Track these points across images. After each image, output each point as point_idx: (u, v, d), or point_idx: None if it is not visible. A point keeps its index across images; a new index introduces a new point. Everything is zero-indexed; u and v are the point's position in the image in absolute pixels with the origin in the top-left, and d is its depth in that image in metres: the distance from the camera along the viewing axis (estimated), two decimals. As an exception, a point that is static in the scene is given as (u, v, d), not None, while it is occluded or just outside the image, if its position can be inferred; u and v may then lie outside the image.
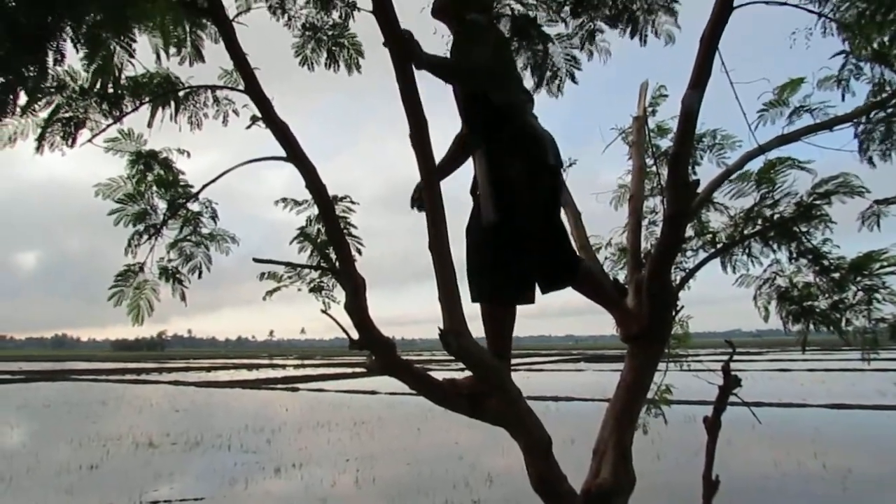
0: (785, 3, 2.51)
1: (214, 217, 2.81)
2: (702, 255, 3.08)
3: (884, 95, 2.91)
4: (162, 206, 2.74)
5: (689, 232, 3.15)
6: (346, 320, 2.04)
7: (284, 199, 2.62)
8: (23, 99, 1.93)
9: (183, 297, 2.72)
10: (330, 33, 3.05)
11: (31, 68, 1.67)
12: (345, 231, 2.42)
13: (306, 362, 42.83)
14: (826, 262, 2.76)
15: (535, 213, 2.20)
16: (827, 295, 2.75)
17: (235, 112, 2.82)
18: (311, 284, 2.57)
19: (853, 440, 8.50)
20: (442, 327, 1.89)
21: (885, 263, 2.61)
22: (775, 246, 2.87)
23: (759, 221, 2.85)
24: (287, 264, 2.42)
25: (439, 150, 1.94)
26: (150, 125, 2.68)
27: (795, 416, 10.71)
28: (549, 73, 3.21)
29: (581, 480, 2.30)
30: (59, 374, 29.52)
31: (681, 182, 2.26)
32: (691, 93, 2.16)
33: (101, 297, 2.63)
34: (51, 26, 1.73)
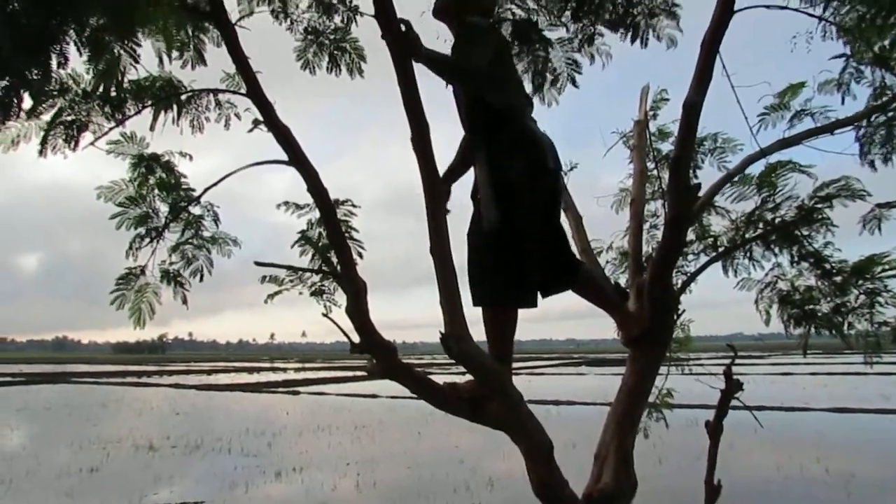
0: (785, 8, 2.51)
1: (216, 220, 2.81)
2: (703, 258, 3.09)
3: (884, 99, 2.91)
4: (164, 209, 2.75)
5: (691, 236, 3.15)
6: (348, 324, 2.04)
7: (286, 203, 2.63)
8: (27, 102, 1.93)
9: (184, 301, 2.73)
10: (332, 37, 3.06)
11: (35, 71, 1.67)
12: (346, 235, 2.42)
13: (307, 365, 42.81)
14: (828, 266, 2.75)
15: (536, 216, 2.20)
16: (829, 298, 2.75)
17: (237, 116, 2.83)
18: (313, 288, 2.57)
19: (856, 444, 8.47)
20: (443, 331, 1.89)
21: (886, 267, 2.60)
22: (777, 249, 2.87)
23: (761, 225, 2.85)
24: (288, 268, 2.42)
25: (441, 155, 1.95)
26: (152, 128, 2.69)
27: (798, 419, 10.67)
28: (550, 77, 3.21)
29: (583, 485, 2.30)
30: (60, 376, 29.50)
31: (682, 186, 2.26)
32: (692, 96, 2.16)
33: (103, 300, 2.64)
34: (54, 29, 1.73)
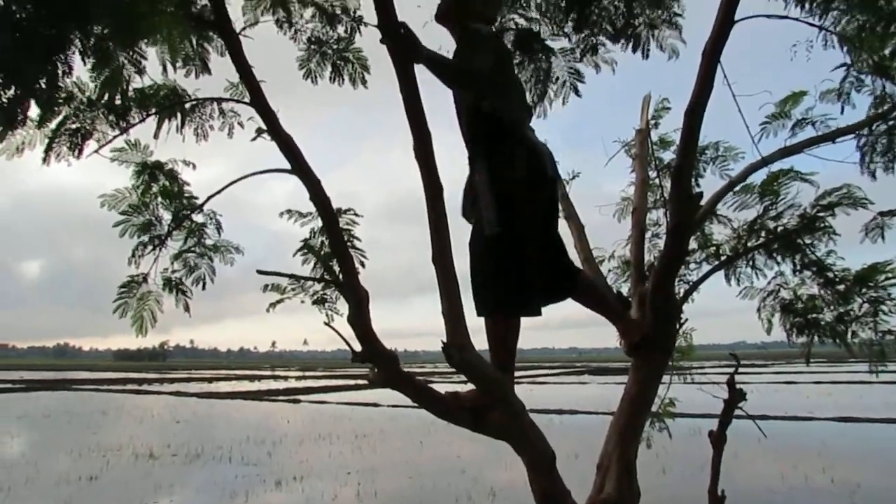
0: (786, 17, 2.53)
1: (219, 228, 2.82)
2: (705, 267, 3.08)
3: (885, 107, 2.92)
4: (167, 216, 2.76)
5: (693, 244, 3.15)
6: (349, 332, 2.04)
7: (289, 211, 2.63)
8: (33, 110, 1.94)
9: (186, 308, 2.73)
10: (335, 47, 3.07)
11: (42, 80, 1.69)
12: (348, 243, 2.43)
13: (308, 374, 42.72)
14: (830, 274, 2.75)
15: (536, 224, 2.21)
16: (832, 307, 2.75)
17: (241, 124, 2.85)
18: (315, 297, 2.58)
19: (861, 454, 8.41)
20: (445, 340, 1.89)
21: (890, 275, 2.60)
22: (779, 258, 2.87)
23: (763, 233, 2.85)
24: (291, 276, 2.43)
25: (443, 164, 1.95)
26: (156, 136, 2.70)
27: (802, 429, 10.61)
28: (552, 87, 3.22)
29: (585, 496, 2.29)
30: (61, 383, 29.47)
31: (684, 194, 2.26)
32: (694, 105, 2.17)
33: (105, 307, 2.64)
34: (60, 38, 1.75)
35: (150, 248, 2.68)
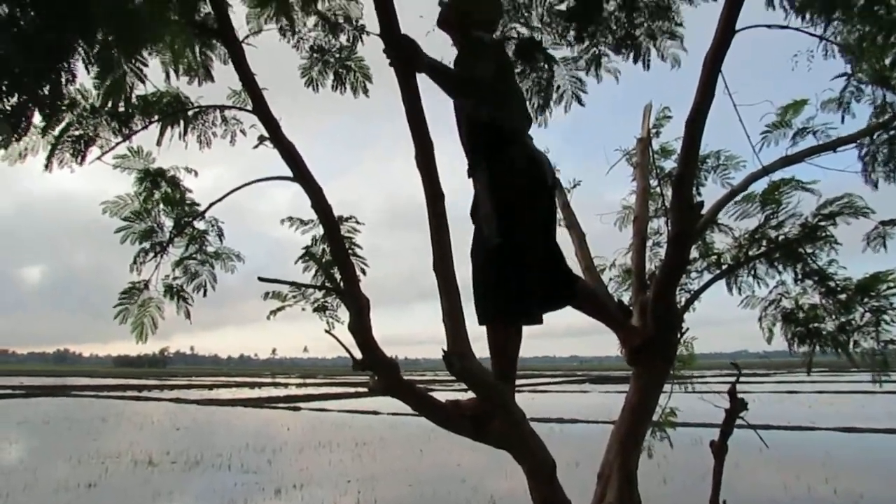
0: (786, 27, 2.54)
1: (220, 235, 2.82)
2: (707, 276, 3.08)
3: (886, 117, 2.92)
4: (168, 223, 2.77)
5: (694, 253, 3.15)
6: (350, 340, 2.04)
7: (290, 219, 2.64)
8: (36, 118, 1.95)
9: (187, 315, 2.73)
10: (337, 56, 3.09)
11: (45, 88, 1.70)
12: (349, 251, 2.43)
13: (308, 381, 42.62)
14: (832, 284, 2.74)
15: (536, 232, 2.21)
16: (833, 316, 2.74)
17: (243, 132, 2.86)
18: (316, 304, 2.58)
19: (865, 464, 8.36)
20: (446, 348, 1.88)
21: (891, 284, 2.59)
22: (780, 267, 2.87)
23: (764, 242, 2.85)
24: (292, 284, 2.43)
25: (444, 171, 1.95)
26: (159, 143, 2.72)
27: (804, 439, 10.56)
28: (555, 96, 3.23)
29: (586, 504, 2.27)
30: (60, 389, 29.41)
31: (685, 203, 2.26)
32: (695, 114, 2.17)
33: (106, 313, 2.64)
34: (64, 46, 1.75)
35: (151, 254, 2.68)
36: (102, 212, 2.77)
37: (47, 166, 2.58)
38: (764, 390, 22.69)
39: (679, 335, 2.76)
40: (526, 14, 3.10)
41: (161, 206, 2.77)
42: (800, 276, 2.82)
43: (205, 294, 2.78)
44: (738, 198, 2.89)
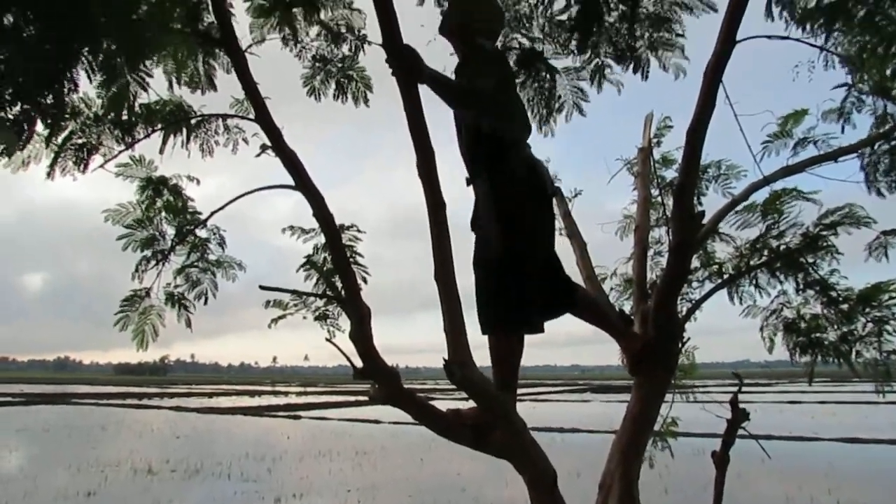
0: (787, 38, 2.55)
1: (222, 244, 2.83)
2: (708, 285, 3.07)
3: (887, 127, 2.93)
4: (170, 231, 2.77)
5: (695, 262, 3.14)
6: (351, 348, 2.04)
7: (292, 227, 2.64)
8: (39, 126, 1.97)
9: (188, 323, 2.73)
10: (339, 65, 3.11)
11: (48, 97, 1.71)
12: (351, 260, 2.43)
13: (309, 389, 42.52)
14: (834, 293, 2.74)
15: (538, 241, 2.21)
16: (835, 326, 2.73)
17: (245, 140, 2.87)
18: (317, 312, 2.58)
19: (868, 475, 8.31)
20: (447, 357, 1.88)
21: (893, 294, 2.59)
22: (782, 277, 2.86)
23: (766, 252, 2.85)
24: (293, 292, 2.43)
25: (446, 181, 1.96)
26: (161, 152, 2.73)
27: (807, 449, 10.50)
28: (556, 105, 3.25)
29: (587, 515, 2.26)
30: (60, 397, 29.35)
31: (686, 213, 2.26)
32: (696, 124, 2.18)
33: (107, 321, 2.64)
34: (68, 56, 1.77)
35: (153, 262, 2.69)
36: (105, 220, 2.78)
37: (50, 174, 2.59)
38: (766, 400, 22.60)
39: (680, 345, 2.75)
40: (527, 24, 3.12)
41: (163, 214, 2.78)
42: (801, 286, 2.81)
43: (206, 302, 2.78)
44: (739, 207, 2.89)
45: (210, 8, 2.34)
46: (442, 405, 2.16)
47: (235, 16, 2.43)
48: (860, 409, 18.34)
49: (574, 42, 3.01)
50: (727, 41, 2.12)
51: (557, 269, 2.33)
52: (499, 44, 2.91)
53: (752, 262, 2.88)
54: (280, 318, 2.54)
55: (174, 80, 2.64)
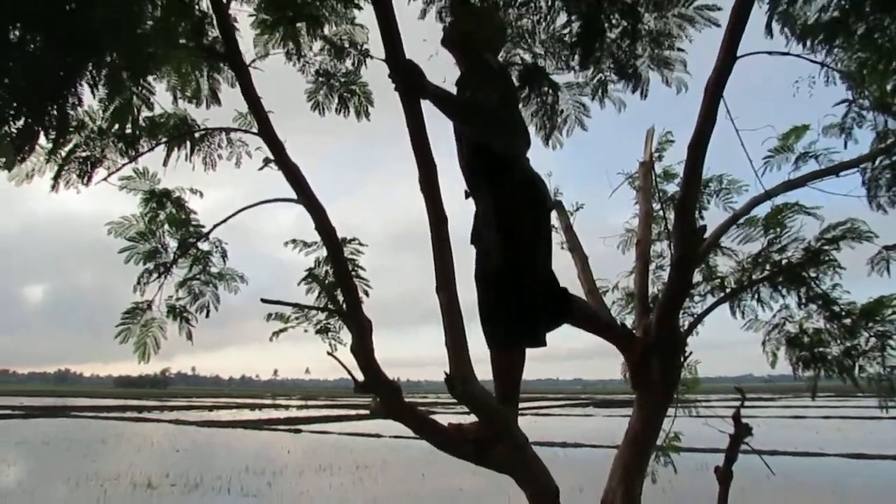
0: (787, 54, 2.57)
1: (224, 256, 2.83)
2: (710, 299, 3.07)
3: (889, 142, 2.94)
4: (173, 244, 2.78)
5: (697, 277, 3.14)
6: (352, 362, 2.03)
7: (294, 240, 2.65)
8: (41, 140, 1.98)
9: (189, 336, 2.73)
10: (342, 80, 3.13)
11: (52, 111, 1.72)
12: (353, 273, 2.43)
13: (310, 403, 42.33)
14: (836, 308, 2.73)
15: (539, 254, 2.22)
16: (838, 341, 2.72)
17: (248, 154, 2.88)
18: (318, 326, 2.57)
19: (874, 491, 8.22)
20: (448, 372, 1.87)
21: (896, 309, 2.58)
22: (784, 291, 2.85)
23: (768, 266, 2.84)
24: (295, 305, 2.43)
25: (448, 195, 1.96)
26: (165, 164, 2.74)
27: (812, 465, 10.40)
28: (558, 121, 3.26)
29: (590, 532, 2.23)
30: (60, 409, 29.24)
31: (688, 227, 2.26)
32: (697, 138, 2.19)
33: (109, 333, 2.63)
34: (72, 71, 1.78)
35: (155, 275, 2.69)
36: (107, 232, 2.79)
37: (54, 187, 2.60)
38: (770, 415, 22.43)
39: (682, 359, 2.74)
40: (529, 40, 3.14)
41: (166, 226, 2.78)
42: (804, 301, 2.80)
43: (207, 315, 2.78)
44: (740, 221, 2.90)
45: (214, 23, 2.36)
46: (443, 419, 2.15)
47: (239, 30, 2.46)
48: (865, 425, 18.18)
49: (576, 58, 3.03)
50: (728, 57, 2.13)
51: (553, 280, 2.33)
52: (501, 58, 2.93)
53: (754, 277, 2.88)
54: (281, 331, 2.53)
55: (178, 93, 2.66)
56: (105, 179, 2.68)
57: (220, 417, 25.14)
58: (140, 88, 2.03)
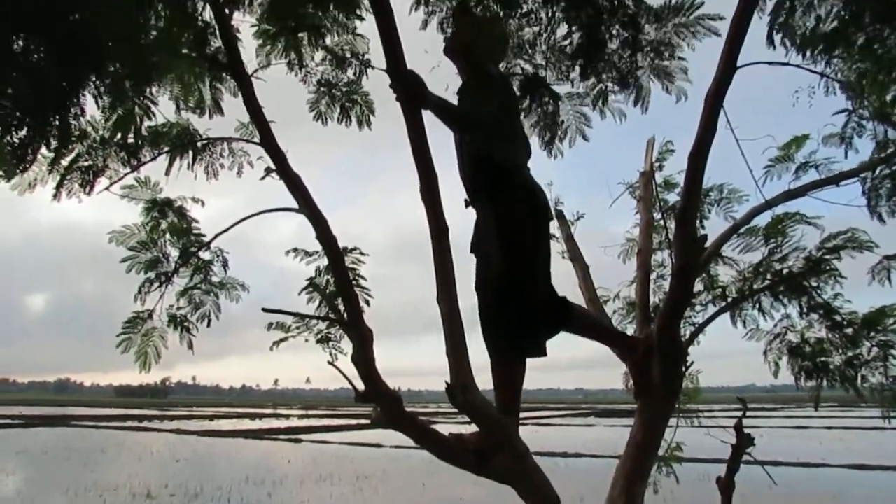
0: (787, 64, 2.58)
1: (225, 266, 2.84)
2: (711, 309, 3.06)
3: (888, 152, 2.94)
4: (174, 253, 2.78)
5: (699, 286, 3.14)
6: (353, 371, 2.03)
7: (295, 250, 2.65)
8: (43, 150, 1.99)
9: (190, 346, 2.72)
10: (344, 90, 3.15)
11: (54, 122, 1.73)
12: (354, 283, 2.43)
13: (310, 412, 42.18)
14: (838, 317, 2.73)
15: (539, 263, 2.21)
16: (840, 350, 2.71)
17: (250, 163, 2.90)
18: (319, 335, 2.57)
19: (877, 503, 8.15)
20: (449, 381, 1.87)
21: (899, 318, 2.57)
22: (785, 300, 2.85)
23: (769, 276, 2.84)
24: (296, 315, 2.43)
25: (449, 205, 1.97)
26: (167, 174, 2.75)
27: (815, 476, 10.32)
28: (560, 131, 3.27)
29: (591, 543, 2.22)
30: (60, 419, 29.15)
31: (689, 236, 2.27)
32: (698, 148, 2.19)
33: (110, 342, 2.63)
34: (75, 81, 1.79)
35: (156, 284, 2.69)
36: (109, 241, 2.80)
37: (56, 196, 2.61)
38: (772, 425, 22.30)
39: (684, 368, 2.73)
40: (530, 51, 3.16)
41: (167, 235, 2.79)
42: (805, 310, 2.80)
43: (209, 324, 2.78)
44: (741, 231, 2.90)
45: (217, 33, 2.38)
46: (444, 429, 2.14)
47: (242, 41, 2.48)
48: (868, 435, 18.08)
49: (577, 68, 3.05)
50: (728, 67, 2.15)
51: (551, 289, 2.33)
52: (502, 68, 2.94)
53: (755, 286, 2.88)
54: (282, 340, 2.53)
55: (181, 103, 2.68)
56: (107, 189, 2.69)
57: (220, 427, 25.04)
58: (142, 99, 2.04)
